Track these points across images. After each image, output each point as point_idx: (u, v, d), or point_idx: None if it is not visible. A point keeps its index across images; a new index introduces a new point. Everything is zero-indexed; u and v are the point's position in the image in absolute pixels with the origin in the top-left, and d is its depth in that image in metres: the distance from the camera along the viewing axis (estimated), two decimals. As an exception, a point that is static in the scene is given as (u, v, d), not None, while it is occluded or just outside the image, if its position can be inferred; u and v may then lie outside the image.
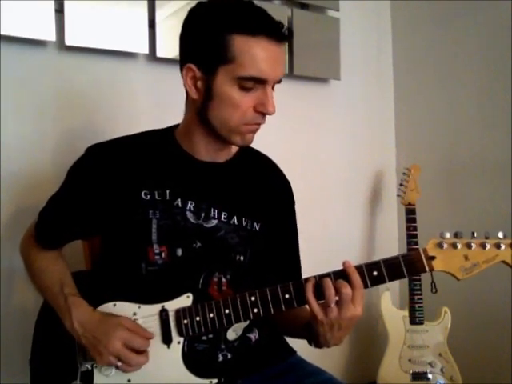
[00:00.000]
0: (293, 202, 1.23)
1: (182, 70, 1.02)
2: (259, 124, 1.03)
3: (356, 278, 0.94)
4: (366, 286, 0.95)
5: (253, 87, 0.97)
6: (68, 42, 1.50)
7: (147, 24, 1.64)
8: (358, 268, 0.95)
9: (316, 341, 1.01)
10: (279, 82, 1.02)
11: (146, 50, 1.65)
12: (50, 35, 1.47)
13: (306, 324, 1.03)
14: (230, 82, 0.97)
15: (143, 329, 1.00)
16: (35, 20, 1.44)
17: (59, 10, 1.48)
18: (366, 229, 2.38)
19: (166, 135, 1.12)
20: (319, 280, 0.96)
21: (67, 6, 1.48)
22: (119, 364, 0.98)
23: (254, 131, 1.04)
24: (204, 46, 0.98)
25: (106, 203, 1.07)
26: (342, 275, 0.95)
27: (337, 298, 0.93)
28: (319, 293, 0.95)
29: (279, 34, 0.97)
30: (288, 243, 1.21)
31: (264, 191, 1.15)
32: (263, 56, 0.95)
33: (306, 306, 0.98)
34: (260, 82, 0.97)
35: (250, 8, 0.98)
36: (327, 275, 0.96)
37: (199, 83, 1.00)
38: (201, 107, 1.02)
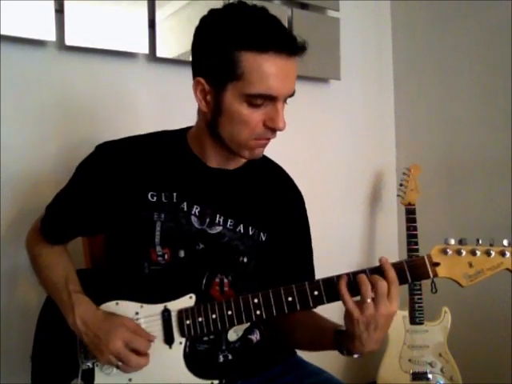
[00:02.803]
0: (304, 214, 1.21)
1: (193, 81, 1.01)
2: (269, 139, 1.02)
3: (392, 273, 0.92)
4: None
5: (262, 103, 0.96)
6: (68, 42, 1.50)
7: (147, 24, 1.64)
8: (359, 272, 0.94)
9: (350, 346, 0.96)
10: (291, 95, 1.00)
11: (146, 50, 1.65)
12: (50, 35, 1.47)
13: (335, 333, 1.00)
14: (238, 99, 0.95)
15: (145, 331, 1.00)
16: (35, 20, 1.43)
17: (59, 10, 1.48)
18: (366, 229, 2.38)
19: (177, 137, 1.12)
20: (353, 276, 0.94)
21: (67, 5, 1.48)
22: (119, 364, 0.98)
23: (264, 145, 1.03)
24: (213, 62, 0.96)
25: (112, 201, 1.07)
26: (377, 272, 0.93)
27: (372, 295, 0.91)
28: (353, 290, 0.93)
29: (290, 48, 0.94)
30: (300, 254, 1.19)
31: (273, 201, 1.14)
32: (272, 72, 0.93)
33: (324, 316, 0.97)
34: (270, 98, 0.96)
35: (261, 22, 0.95)
36: (362, 271, 0.94)
37: (209, 97, 0.99)
38: (211, 120, 1.01)
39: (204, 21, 1.00)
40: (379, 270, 0.93)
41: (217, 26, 0.97)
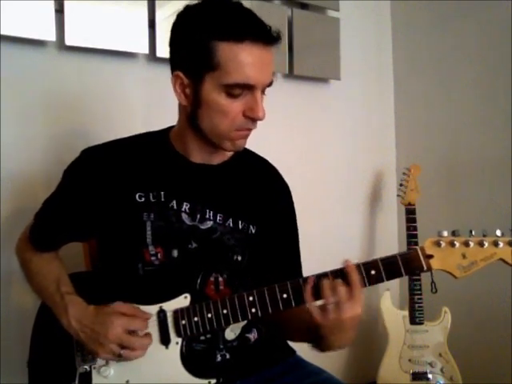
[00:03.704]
0: (291, 204, 1.22)
1: (172, 75, 1.02)
2: (250, 129, 1.02)
3: (355, 276, 0.93)
4: (364, 285, 0.94)
5: (241, 93, 0.96)
6: (68, 42, 1.51)
7: (147, 24, 1.64)
8: (356, 267, 0.94)
9: (320, 345, 0.99)
10: (270, 85, 1.00)
11: (146, 50, 1.65)
12: (50, 35, 1.47)
13: (308, 327, 1.01)
14: (217, 89, 0.96)
15: (139, 309, 1.00)
16: (35, 20, 1.44)
17: (59, 10, 1.48)
18: (366, 229, 2.38)
19: (160, 137, 1.12)
20: (317, 280, 0.95)
21: (67, 5, 1.49)
22: (122, 352, 0.97)
23: (245, 136, 1.03)
24: (189, 54, 0.97)
25: (101, 206, 1.07)
26: (340, 274, 0.94)
27: (335, 299, 0.92)
28: (318, 293, 0.94)
29: (265, 37, 0.95)
30: (287, 245, 1.20)
31: (260, 194, 1.14)
32: (249, 61, 0.94)
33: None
34: (248, 87, 0.96)
35: (235, 12, 0.96)
36: (325, 275, 0.95)
37: (187, 90, 1.00)
38: (191, 114, 1.02)
39: (180, 16, 1.01)
40: (342, 273, 0.94)
41: (193, 18, 0.98)
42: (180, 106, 1.07)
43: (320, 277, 0.95)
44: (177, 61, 1.01)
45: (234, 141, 1.02)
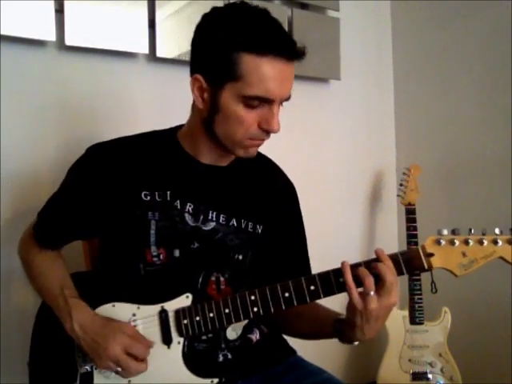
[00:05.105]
0: (297, 204, 1.22)
1: (191, 77, 1.02)
2: (263, 140, 1.03)
3: (390, 264, 0.92)
4: None
5: (258, 105, 0.97)
6: (68, 42, 1.50)
7: (147, 24, 1.64)
8: (357, 265, 0.94)
9: (351, 334, 0.97)
10: (287, 99, 1.01)
11: (146, 50, 1.65)
12: (50, 35, 1.47)
13: (335, 321, 1.01)
14: (236, 99, 0.96)
15: (144, 337, 1.00)
16: (35, 20, 1.44)
17: (59, 10, 1.48)
18: (366, 229, 2.38)
19: (168, 136, 1.12)
20: (353, 269, 0.93)
21: (67, 5, 1.49)
22: (118, 369, 0.97)
23: (258, 145, 1.04)
24: (212, 61, 0.97)
25: (106, 203, 1.07)
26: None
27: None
28: (357, 281, 0.92)
29: (289, 52, 0.95)
30: (295, 245, 1.20)
31: (267, 193, 1.15)
32: (271, 75, 0.94)
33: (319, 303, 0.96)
34: (266, 101, 0.96)
35: (262, 24, 0.96)
36: (358, 265, 0.94)
37: (206, 95, 1.00)
38: (206, 118, 1.02)
39: (206, 18, 1.00)
40: (376, 262, 0.93)
41: (218, 25, 0.97)
42: (194, 107, 1.07)
43: (355, 266, 0.94)
44: (198, 64, 1.00)
45: (247, 148, 1.03)
